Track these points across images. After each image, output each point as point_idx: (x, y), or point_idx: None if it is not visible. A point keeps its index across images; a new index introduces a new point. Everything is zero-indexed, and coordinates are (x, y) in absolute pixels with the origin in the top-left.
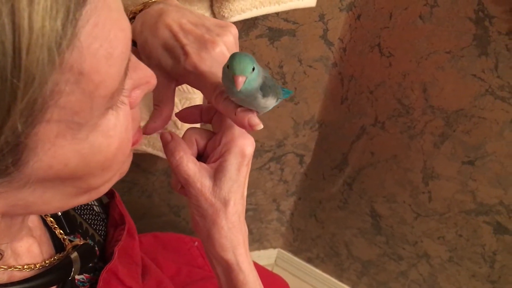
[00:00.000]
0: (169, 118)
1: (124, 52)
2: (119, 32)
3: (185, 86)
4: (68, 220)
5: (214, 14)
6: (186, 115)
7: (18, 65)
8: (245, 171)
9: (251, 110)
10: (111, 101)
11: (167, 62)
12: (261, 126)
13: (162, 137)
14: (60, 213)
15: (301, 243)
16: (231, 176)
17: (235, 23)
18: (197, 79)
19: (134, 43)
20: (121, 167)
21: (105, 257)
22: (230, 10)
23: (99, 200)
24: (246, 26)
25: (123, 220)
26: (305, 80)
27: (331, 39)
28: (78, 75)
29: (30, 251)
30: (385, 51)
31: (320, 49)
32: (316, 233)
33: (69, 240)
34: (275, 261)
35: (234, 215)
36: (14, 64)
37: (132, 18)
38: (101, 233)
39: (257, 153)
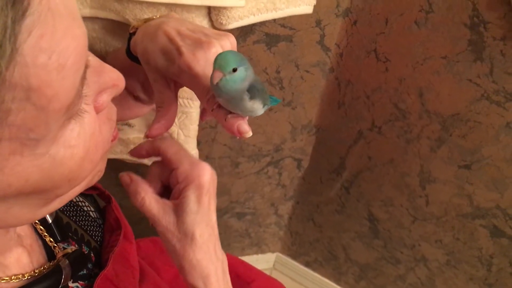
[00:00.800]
0: (173, 118)
1: (77, 61)
2: (71, 41)
3: (181, 100)
4: (60, 227)
5: (212, 21)
6: (139, 151)
7: None
8: (207, 200)
9: (241, 117)
10: (69, 112)
11: (163, 63)
12: (250, 134)
13: (121, 179)
14: (50, 221)
15: (299, 247)
16: (191, 209)
17: (232, 29)
18: (191, 79)
19: (135, 58)
20: (93, 170)
21: (101, 263)
22: (228, 17)
23: (96, 205)
24: (243, 32)
25: (119, 225)
26: (302, 85)
27: (328, 44)
28: (26, 91)
29: (19, 261)
30: (381, 56)
31: (317, 55)
32: (314, 237)
33: (63, 247)
34: (274, 265)
35: (203, 245)
36: None
37: (133, 32)
38: (97, 238)
39: (255, 158)
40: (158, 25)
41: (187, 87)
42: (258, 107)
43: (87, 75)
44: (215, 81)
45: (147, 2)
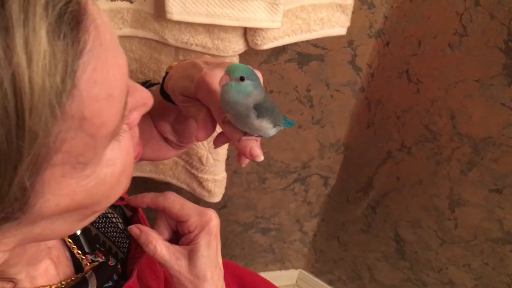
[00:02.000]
0: (214, 123)
1: (123, 90)
2: (117, 71)
3: None
4: (88, 239)
5: (247, 41)
6: (140, 202)
7: (22, 127)
8: (215, 243)
9: (254, 140)
10: (112, 136)
11: (184, 84)
12: (261, 158)
13: (131, 232)
14: (79, 233)
15: (323, 265)
16: (202, 253)
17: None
18: (208, 95)
19: (167, 96)
20: (125, 188)
21: (126, 274)
22: (263, 38)
23: (124, 216)
24: (275, 51)
25: None
26: (332, 104)
27: (359, 64)
28: (80, 121)
29: (47, 272)
30: (413, 77)
31: (348, 74)
32: (338, 255)
33: (91, 259)
34: (296, 281)
35: (213, 286)
36: (18, 127)
37: (167, 72)
38: (124, 250)
39: (282, 174)
40: (189, 61)
41: (204, 102)
42: (266, 126)
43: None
44: (221, 83)
45: (185, 23)
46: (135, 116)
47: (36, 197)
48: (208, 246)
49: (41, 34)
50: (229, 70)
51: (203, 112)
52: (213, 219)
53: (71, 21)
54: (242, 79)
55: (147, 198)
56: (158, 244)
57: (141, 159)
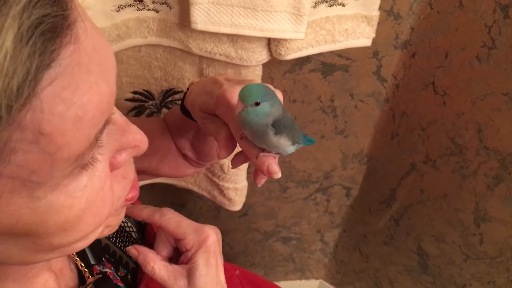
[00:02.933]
0: (233, 138)
1: (97, 116)
2: (95, 96)
3: None
4: (95, 249)
5: (271, 52)
6: (138, 214)
7: None
8: (214, 261)
9: (272, 156)
10: (77, 163)
11: (204, 99)
12: (279, 175)
13: (130, 252)
14: None
15: (344, 276)
16: (201, 272)
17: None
18: (227, 111)
19: (187, 112)
20: (100, 226)
21: (136, 284)
22: (287, 48)
23: (139, 225)
24: (299, 60)
25: None
26: (355, 114)
27: (384, 75)
28: (36, 135)
29: (46, 286)
30: (439, 89)
31: (373, 85)
32: (359, 267)
33: (99, 269)
34: None
35: None
36: None
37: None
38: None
39: (304, 183)
40: (210, 77)
41: (223, 119)
42: (285, 144)
43: (111, 131)
44: (237, 111)
45: (209, 32)
46: (123, 157)
47: None
48: (207, 265)
49: (8, 35)
50: (242, 97)
51: (223, 130)
52: (211, 236)
53: (46, 32)
54: (257, 104)
55: (144, 213)
56: (156, 265)
57: (158, 176)
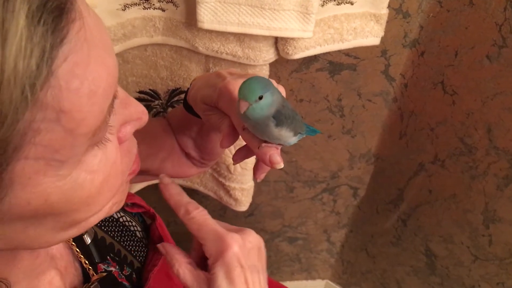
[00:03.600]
0: (234, 129)
1: (107, 90)
2: (103, 70)
3: None
4: (100, 248)
5: (278, 51)
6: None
7: None
8: (240, 275)
9: (275, 147)
10: (94, 138)
11: (207, 92)
12: (281, 165)
13: (159, 249)
14: (88, 242)
15: (350, 276)
16: (220, 285)
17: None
18: (229, 104)
19: (190, 108)
20: (112, 199)
21: (141, 283)
22: (294, 47)
23: (143, 224)
24: (307, 59)
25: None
26: (363, 114)
27: (392, 74)
28: (57, 113)
29: (51, 284)
30: (448, 89)
31: (381, 84)
32: (366, 268)
33: (103, 268)
34: None
35: None
36: None
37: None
38: (141, 259)
39: (311, 183)
40: (214, 71)
41: (224, 111)
42: (286, 135)
43: (114, 105)
44: (242, 110)
45: (216, 31)
46: (128, 130)
47: (6, 189)
48: (228, 278)
49: (20, 15)
50: (244, 96)
51: (226, 120)
52: (231, 248)
53: (54, 9)
54: (260, 98)
55: (172, 200)
56: (181, 268)
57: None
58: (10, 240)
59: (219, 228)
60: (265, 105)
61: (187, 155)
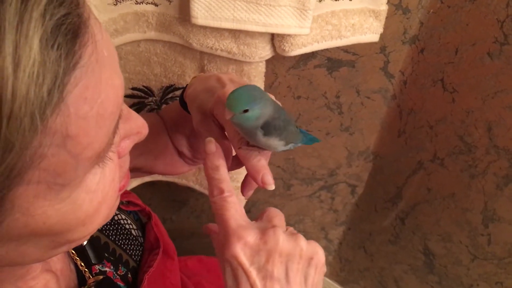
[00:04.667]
0: (229, 154)
1: (115, 111)
2: (110, 91)
3: None
4: (96, 248)
5: (274, 47)
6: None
7: None
8: (240, 273)
9: (266, 169)
10: (97, 160)
11: (205, 98)
12: (272, 187)
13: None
14: (84, 243)
15: (348, 274)
16: (227, 283)
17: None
18: (224, 114)
19: (186, 106)
20: (106, 218)
21: (136, 283)
22: (291, 44)
23: (139, 222)
24: (304, 56)
25: (158, 243)
26: (362, 111)
27: (391, 71)
28: (64, 138)
29: (47, 287)
30: (448, 86)
31: (380, 81)
32: (364, 265)
33: (98, 269)
34: None
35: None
36: None
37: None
38: (137, 258)
39: (308, 181)
40: (214, 73)
41: (219, 121)
42: (275, 144)
43: (119, 125)
44: (227, 117)
45: (211, 27)
46: (127, 145)
47: (4, 215)
48: (234, 278)
49: (34, 41)
50: (229, 106)
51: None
52: (232, 248)
53: (68, 32)
54: (245, 111)
55: (207, 174)
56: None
57: (152, 173)
58: (0, 259)
59: (233, 221)
60: (251, 118)
61: (180, 153)
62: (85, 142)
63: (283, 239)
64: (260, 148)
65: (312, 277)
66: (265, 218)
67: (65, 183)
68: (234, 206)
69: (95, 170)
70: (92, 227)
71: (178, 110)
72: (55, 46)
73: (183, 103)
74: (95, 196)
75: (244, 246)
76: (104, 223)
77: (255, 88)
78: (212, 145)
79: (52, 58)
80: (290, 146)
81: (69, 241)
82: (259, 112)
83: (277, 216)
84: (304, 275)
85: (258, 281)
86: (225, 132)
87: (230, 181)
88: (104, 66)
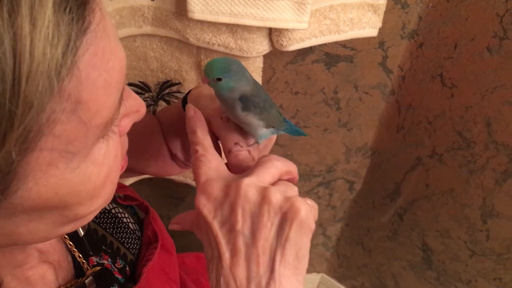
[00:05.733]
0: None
1: (120, 81)
2: (117, 62)
3: None
4: (93, 240)
5: (272, 42)
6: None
7: (17, 92)
8: (211, 228)
9: (246, 148)
10: (104, 130)
11: (207, 104)
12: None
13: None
14: (82, 234)
15: (346, 270)
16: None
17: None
18: (212, 99)
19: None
20: (109, 196)
21: (135, 277)
22: (289, 39)
23: (136, 217)
24: (302, 51)
25: (156, 237)
26: (360, 107)
27: (390, 66)
28: (75, 104)
29: (44, 277)
30: (447, 81)
31: (378, 76)
32: (362, 262)
33: (96, 261)
34: (318, 286)
35: None
36: (13, 91)
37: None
38: (134, 251)
39: (306, 177)
40: None
41: (216, 133)
42: (254, 122)
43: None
44: (202, 82)
45: (208, 22)
46: (126, 123)
47: (19, 183)
48: (201, 235)
49: (48, 3)
50: (205, 72)
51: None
52: (201, 207)
53: None
54: (219, 79)
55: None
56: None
57: (144, 174)
58: (9, 235)
59: (203, 176)
60: (224, 87)
61: (173, 156)
62: (94, 109)
63: (248, 192)
64: (249, 146)
65: (286, 234)
66: (250, 169)
67: (75, 152)
68: (207, 164)
69: (100, 144)
70: (98, 203)
71: (178, 111)
72: (67, 10)
73: (185, 103)
74: (101, 169)
75: (207, 199)
76: (107, 202)
77: (234, 61)
78: (191, 110)
79: (65, 20)
80: (272, 130)
81: (77, 216)
82: (232, 84)
83: (262, 165)
84: (276, 231)
85: (220, 234)
86: (218, 142)
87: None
88: (109, 38)
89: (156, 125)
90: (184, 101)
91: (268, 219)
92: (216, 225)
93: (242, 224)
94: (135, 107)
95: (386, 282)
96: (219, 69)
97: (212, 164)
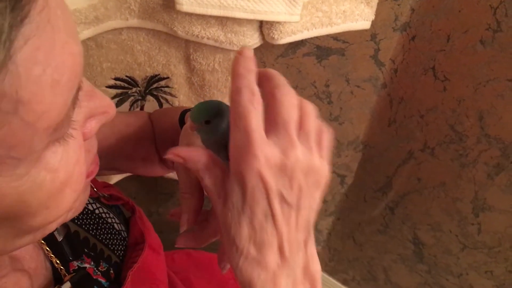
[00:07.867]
0: (199, 208)
1: (72, 79)
2: (68, 57)
3: None
4: (74, 243)
5: (263, 35)
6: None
7: None
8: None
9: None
10: (56, 133)
11: None
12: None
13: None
14: (60, 239)
15: (337, 264)
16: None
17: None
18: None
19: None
20: (73, 205)
21: (120, 279)
22: (280, 31)
23: (122, 216)
24: (293, 44)
25: (143, 237)
26: (351, 100)
27: (382, 59)
28: (15, 104)
29: (19, 285)
30: (440, 74)
31: (370, 69)
32: (353, 255)
33: (77, 265)
34: None
35: None
36: None
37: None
38: (119, 253)
39: None
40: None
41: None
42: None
43: (79, 97)
44: (191, 130)
45: (196, 14)
46: (93, 125)
47: None
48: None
49: None
50: (191, 118)
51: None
52: (258, 162)
53: None
54: (207, 122)
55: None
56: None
57: (130, 173)
58: None
59: (258, 134)
60: (212, 130)
61: (161, 159)
62: (39, 110)
63: (302, 154)
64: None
65: (314, 196)
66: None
67: (20, 157)
68: (258, 117)
69: (55, 148)
70: (57, 212)
71: (173, 126)
72: None
73: (182, 122)
74: (56, 175)
75: (268, 163)
76: (72, 209)
77: (217, 104)
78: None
79: None
80: None
81: (32, 227)
82: (220, 128)
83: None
84: (310, 200)
85: (277, 206)
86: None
87: None
88: (58, 28)
89: (148, 127)
90: (181, 120)
91: (307, 185)
92: (276, 195)
93: (292, 195)
94: (102, 108)
95: (377, 276)
96: (203, 113)
97: (260, 121)
